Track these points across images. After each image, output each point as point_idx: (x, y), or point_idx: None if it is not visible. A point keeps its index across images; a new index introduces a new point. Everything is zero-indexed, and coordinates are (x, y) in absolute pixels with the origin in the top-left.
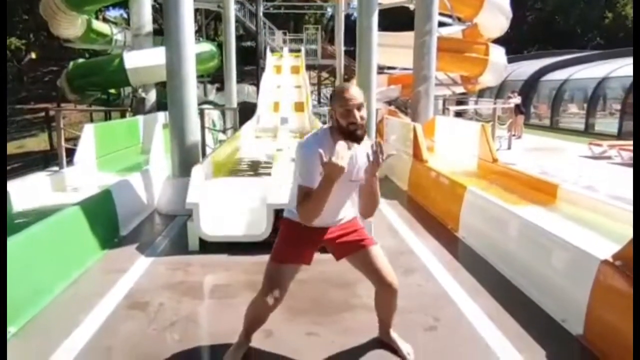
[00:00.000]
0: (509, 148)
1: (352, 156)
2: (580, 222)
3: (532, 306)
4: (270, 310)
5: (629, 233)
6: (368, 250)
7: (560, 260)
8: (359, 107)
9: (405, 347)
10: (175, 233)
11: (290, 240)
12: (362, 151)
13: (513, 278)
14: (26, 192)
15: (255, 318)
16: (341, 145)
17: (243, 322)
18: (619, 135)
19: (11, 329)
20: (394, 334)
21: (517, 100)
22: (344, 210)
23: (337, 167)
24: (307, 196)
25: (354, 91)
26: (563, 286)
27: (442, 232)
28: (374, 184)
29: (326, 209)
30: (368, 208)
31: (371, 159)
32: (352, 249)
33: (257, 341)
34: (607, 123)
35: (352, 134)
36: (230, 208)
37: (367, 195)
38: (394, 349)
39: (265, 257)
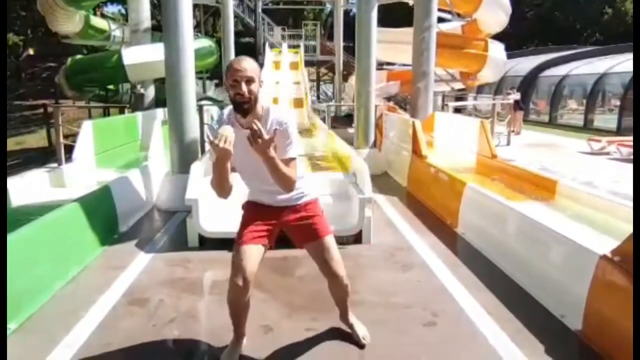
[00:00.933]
0: (508, 144)
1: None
2: (579, 218)
3: (531, 302)
4: (239, 295)
5: (628, 229)
6: (320, 242)
7: (559, 255)
8: (249, 81)
9: (361, 330)
10: (175, 229)
11: (246, 220)
12: (266, 129)
13: (512, 274)
14: (25, 188)
15: (231, 307)
16: (226, 128)
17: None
18: (618, 131)
19: (11, 326)
20: (352, 318)
21: (516, 96)
22: (278, 188)
23: (218, 148)
24: (213, 169)
25: (245, 64)
26: (562, 282)
27: (441, 228)
28: (267, 164)
29: (251, 185)
30: (278, 183)
31: (252, 140)
32: (306, 237)
33: (257, 337)
34: (606, 119)
35: (239, 106)
36: (230, 204)
37: (270, 173)
38: (394, 345)
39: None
